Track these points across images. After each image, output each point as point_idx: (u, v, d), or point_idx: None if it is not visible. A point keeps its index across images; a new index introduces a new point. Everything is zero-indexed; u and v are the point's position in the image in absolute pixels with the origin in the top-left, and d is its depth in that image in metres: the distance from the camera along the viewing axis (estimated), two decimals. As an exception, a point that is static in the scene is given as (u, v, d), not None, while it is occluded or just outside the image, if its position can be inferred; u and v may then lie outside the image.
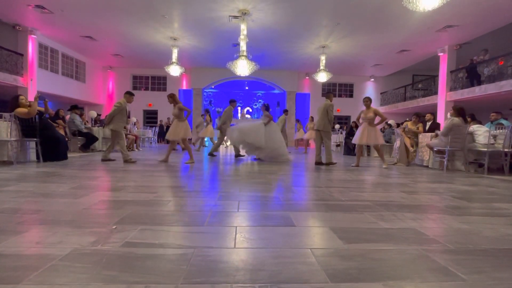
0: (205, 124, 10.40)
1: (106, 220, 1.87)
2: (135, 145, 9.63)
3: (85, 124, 8.49)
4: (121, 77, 16.95)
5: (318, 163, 5.83)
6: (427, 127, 6.93)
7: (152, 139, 13.30)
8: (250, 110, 18.15)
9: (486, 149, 4.94)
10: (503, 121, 6.07)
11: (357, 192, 3.05)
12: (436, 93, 12.79)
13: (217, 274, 1.17)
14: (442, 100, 12.14)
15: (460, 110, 5.41)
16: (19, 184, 3.02)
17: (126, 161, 5.53)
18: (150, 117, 17.50)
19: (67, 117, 8.44)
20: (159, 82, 17.31)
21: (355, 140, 5.94)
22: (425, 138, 6.20)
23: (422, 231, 1.78)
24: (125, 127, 9.83)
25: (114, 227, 1.72)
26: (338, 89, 18.03)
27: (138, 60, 15.03)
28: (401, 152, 6.46)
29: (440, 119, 11.52)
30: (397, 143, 6.76)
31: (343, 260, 1.33)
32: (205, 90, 17.42)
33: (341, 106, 17.42)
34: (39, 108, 5.30)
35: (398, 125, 9.41)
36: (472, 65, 10.85)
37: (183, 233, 1.68)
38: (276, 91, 18.04)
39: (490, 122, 6.23)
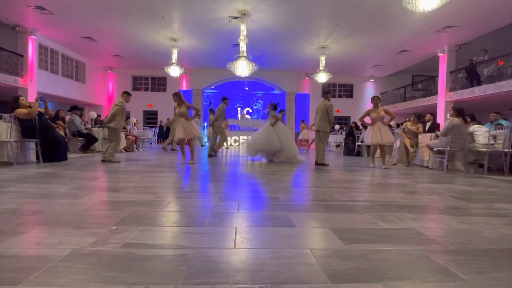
0: (208, 123, 10.36)
1: (106, 221, 1.87)
2: (135, 145, 9.63)
3: (85, 125, 8.49)
4: (121, 78, 16.95)
5: (318, 163, 5.83)
6: (426, 128, 6.94)
7: (152, 139, 13.31)
8: (250, 111, 18.15)
9: (486, 150, 4.94)
10: (503, 121, 6.08)
11: (357, 193, 3.05)
12: (435, 93, 12.80)
13: (217, 275, 1.17)
14: (442, 100, 12.15)
15: (460, 111, 5.41)
16: (19, 185, 3.02)
17: (107, 160, 5.49)
18: (150, 118, 17.50)
19: (67, 118, 8.44)
20: (159, 83, 17.31)
21: (372, 140, 5.68)
22: (425, 139, 6.21)
23: (422, 232, 1.78)
24: (124, 128, 9.85)
25: (114, 228, 1.72)
26: (338, 90, 18.04)
27: (138, 61, 15.04)
28: (401, 152, 6.46)
29: (440, 119, 11.52)
30: (397, 144, 6.76)
31: (343, 261, 1.33)
32: (205, 91, 17.43)
33: (341, 106, 17.43)
34: (39, 109, 5.30)
35: (398, 125, 9.41)
36: (472, 65, 10.86)
37: (183, 233, 1.68)
38: (276, 92, 18.05)
39: (490, 123, 6.24)
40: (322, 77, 12.32)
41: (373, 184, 3.75)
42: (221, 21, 9.67)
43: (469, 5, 8.18)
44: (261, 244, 1.53)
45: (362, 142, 8.80)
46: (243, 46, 9.30)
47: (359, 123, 8.52)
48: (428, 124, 7.04)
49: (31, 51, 10.99)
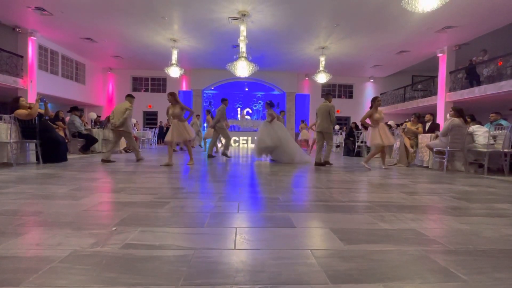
0: (206, 125, 10.29)
1: (106, 221, 1.87)
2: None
3: (85, 125, 8.50)
4: (121, 79, 16.96)
5: (318, 163, 5.83)
6: (426, 128, 6.94)
7: (152, 140, 13.30)
8: (250, 111, 18.15)
9: (486, 150, 4.94)
10: (502, 122, 6.08)
11: (357, 193, 3.05)
12: (435, 93, 12.81)
13: (217, 276, 1.17)
14: (442, 100, 12.16)
15: (460, 111, 5.41)
16: (19, 186, 3.02)
17: (139, 159, 6.10)
18: (150, 119, 17.51)
19: (67, 118, 8.44)
20: (159, 84, 17.33)
21: (384, 142, 5.35)
22: (424, 139, 6.21)
23: (422, 232, 1.78)
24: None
25: (114, 228, 1.72)
26: (337, 90, 18.05)
27: (138, 62, 15.05)
28: (401, 152, 6.46)
29: (440, 119, 11.53)
30: (397, 144, 6.75)
31: (344, 261, 1.33)
32: (205, 91, 17.43)
33: (341, 107, 17.43)
34: (39, 110, 5.30)
35: (397, 125, 9.41)
36: (472, 65, 10.87)
37: (183, 234, 1.68)
38: (275, 92, 18.06)
39: (489, 123, 6.24)
40: (321, 78, 12.33)
41: (373, 184, 3.75)
42: (221, 21, 9.68)
43: (468, 5, 8.19)
44: (261, 245, 1.53)
45: (362, 142, 8.80)
46: (243, 47, 9.31)
47: (359, 124, 8.51)
48: (428, 125, 7.04)
49: (31, 52, 11.00)
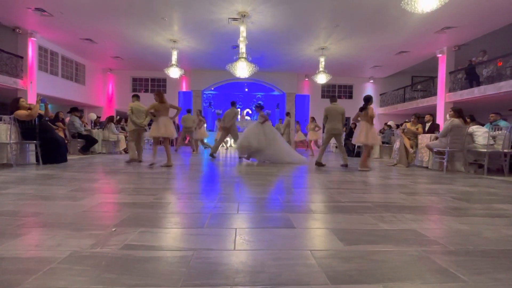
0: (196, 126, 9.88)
1: (106, 222, 1.86)
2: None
3: (84, 126, 8.49)
4: (120, 80, 16.96)
5: (319, 163, 5.84)
6: (426, 128, 6.94)
7: (152, 140, 13.28)
8: (250, 112, 18.16)
9: (485, 150, 4.94)
10: (501, 122, 6.08)
11: (357, 194, 3.05)
12: (435, 94, 12.81)
13: (216, 277, 1.17)
14: (441, 101, 12.16)
15: (459, 111, 5.42)
16: (19, 187, 3.02)
17: (140, 160, 6.39)
18: (150, 119, 17.48)
19: (67, 119, 8.44)
20: (159, 84, 17.31)
21: (364, 139, 5.43)
22: (424, 139, 6.21)
23: (422, 232, 1.78)
24: (123, 129, 9.85)
25: (113, 229, 1.71)
26: (337, 91, 18.05)
27: (138, 63, 15.05)
28: (400, 153, 6.46)
29: (440, 120, 11.53)
30: (396, 144, 6.76)
31: (344, 262, 1.33)
32: (204, 92, 17.44)
33: (340, 107, 17.40)
34: (39, 111, 5.30)
35: (397, 126, 9.42)
36: (471, 66, 10.88)
37: (183, 235, 1.68)
38: (275, 93, 18.06)
39: (489, 123, 6.24)
40: (321, 78, 12.33)
41: (373, 185, 3.75)
42: (220, 22, 9.69)
43: (468, 6, 8.20)
44: (261, 246, 1.52)
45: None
46: (242, 48, 9.32)
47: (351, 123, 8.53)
48: (427, 125, 7.05)
49: (31, 53, 11.00)
